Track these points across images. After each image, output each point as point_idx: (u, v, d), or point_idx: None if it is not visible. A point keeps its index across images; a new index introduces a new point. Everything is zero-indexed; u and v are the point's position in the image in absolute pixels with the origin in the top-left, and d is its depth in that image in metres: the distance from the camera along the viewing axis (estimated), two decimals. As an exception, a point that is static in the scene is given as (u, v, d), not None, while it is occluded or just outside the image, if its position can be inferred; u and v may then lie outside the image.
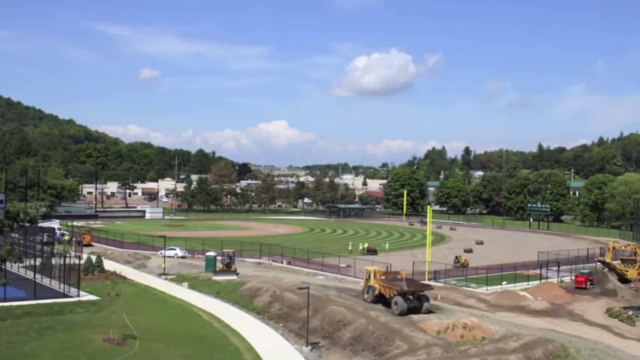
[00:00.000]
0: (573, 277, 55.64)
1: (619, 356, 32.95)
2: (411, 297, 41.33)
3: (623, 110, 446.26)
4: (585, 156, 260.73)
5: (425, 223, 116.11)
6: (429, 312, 40.94)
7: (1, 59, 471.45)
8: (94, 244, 75.84)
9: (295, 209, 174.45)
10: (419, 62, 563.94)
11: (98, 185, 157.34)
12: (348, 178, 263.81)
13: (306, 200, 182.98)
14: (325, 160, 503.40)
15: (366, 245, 77.58)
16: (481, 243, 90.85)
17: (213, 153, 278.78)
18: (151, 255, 66.96)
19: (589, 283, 53.43)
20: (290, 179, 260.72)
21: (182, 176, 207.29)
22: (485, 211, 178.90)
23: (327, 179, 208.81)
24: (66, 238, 72.78)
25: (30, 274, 47.73)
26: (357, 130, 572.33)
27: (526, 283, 54.89)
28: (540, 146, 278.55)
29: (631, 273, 55.94)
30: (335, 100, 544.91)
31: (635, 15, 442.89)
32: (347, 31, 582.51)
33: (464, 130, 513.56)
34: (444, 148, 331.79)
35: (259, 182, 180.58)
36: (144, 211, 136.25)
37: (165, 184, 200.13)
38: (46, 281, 47.19)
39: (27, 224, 27.35)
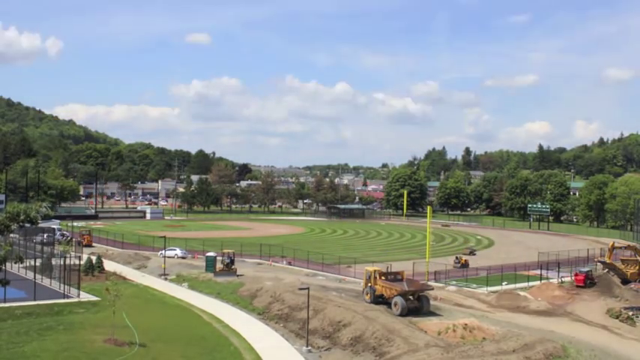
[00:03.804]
0: (573, 277, 55.63)
1: (619, 357, 32.93)
2: (411, 297, 41.38)
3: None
4: (586, 156, 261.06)
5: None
6: (429, 312, 40.96)
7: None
8: (94, 244, 75.78)
9: (295, 210, 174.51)
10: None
11: (98, 186, 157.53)
12: (348, 179, 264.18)
13: (306, 201, 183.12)
14: (325, 160, 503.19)
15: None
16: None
17: (214, 154, 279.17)
18: (151, 255, 66.86)
19: (589, 281, 53.49)
20: (290, 179, 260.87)
21: (182, 177, 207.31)
22: (485, 212, 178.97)
23: (328, 179, 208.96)
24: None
25: (30, 275, 47.74)
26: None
27: (526, 283, 54.84)
28: (541, 147, 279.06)
29: (631, 273, 55.89)
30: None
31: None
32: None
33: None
34: (444, 148, 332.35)
35: (259, 183, 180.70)
36: (144, 212, 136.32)
37: (165, 185, 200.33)
38: (46, 282, 47.23)
39: (27, 225, 27.38)
